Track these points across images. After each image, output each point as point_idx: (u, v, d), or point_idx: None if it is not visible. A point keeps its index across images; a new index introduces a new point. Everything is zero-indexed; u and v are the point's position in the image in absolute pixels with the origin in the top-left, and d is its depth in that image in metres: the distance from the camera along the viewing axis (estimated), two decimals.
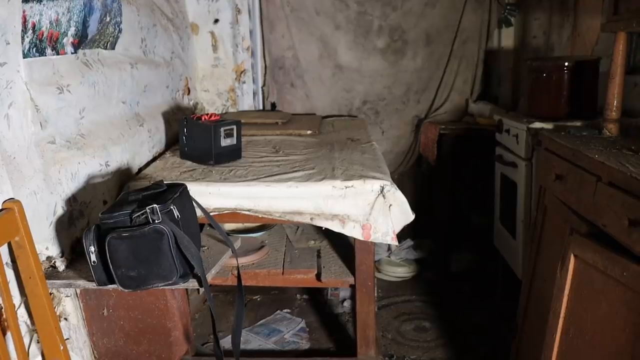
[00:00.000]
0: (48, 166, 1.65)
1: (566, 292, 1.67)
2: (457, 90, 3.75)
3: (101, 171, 1.97)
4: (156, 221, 1.39)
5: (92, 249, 1.43)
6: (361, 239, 2.13)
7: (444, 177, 3.51)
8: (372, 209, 2.11)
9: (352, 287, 2.39)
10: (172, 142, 2.78)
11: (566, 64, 2.47)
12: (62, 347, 1.46)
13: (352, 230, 2.12)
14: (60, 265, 1.66)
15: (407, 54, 3.72)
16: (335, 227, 2.12)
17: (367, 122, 3.63)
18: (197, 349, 2.66)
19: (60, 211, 1.71)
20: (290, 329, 3.00)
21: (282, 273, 2.44)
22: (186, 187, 1.68)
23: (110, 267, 1.42)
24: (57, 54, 1.76)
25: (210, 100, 3.61)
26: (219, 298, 3.29)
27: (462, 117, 3.69)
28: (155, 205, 1.39)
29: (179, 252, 1.43)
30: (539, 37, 3.34)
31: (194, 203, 1.73)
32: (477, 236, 3.46)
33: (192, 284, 1.51)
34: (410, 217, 2.18)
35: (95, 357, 1.84)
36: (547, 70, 2.51)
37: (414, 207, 2.18)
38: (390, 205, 2.12)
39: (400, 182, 3.76)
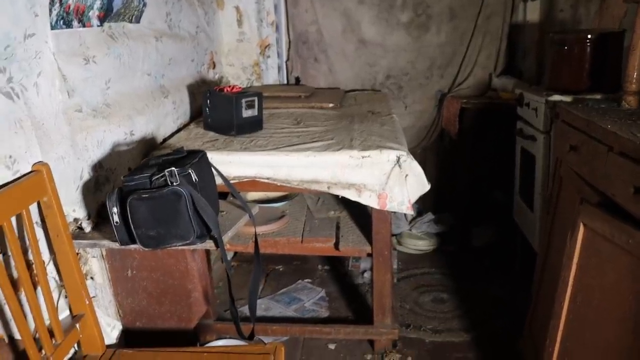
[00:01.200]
0: (75, 133, 1.73)
1: (575, 260, 1.69)
2: (480, 65, 3.73)
3: (126, 139, 2.05)
4: (174, 183, 1.46)
5: (115, 210, 1.51)
6: (377, 207, 2.18)
7: (464, 151, 3.52)
8: (388, 179, 2.15)
9: (370, 255, 2.44)
10: (196, 114, 2.85)
11: (589, 36, 2.45)
12: (87, 302, 1.55)
13: (368, 199, 2.17)
14: (87, 227, 1.75)
15: (430, 29, 3.71)
16: (351, 195, 2.17)
17: (390, 96, 3.63)
18: (219, 314, 2.75)
19: (86, 176, 1.79)
20: (311, 298, 3.07)
21: (301, 241, 2.50)
22: (205, 154, 1.75)
23: (132, 226, 1.49)
24: (84, 26, 1.84)
25: (235, 74, 3.66)
26: (242, 267, 3.38)
27: (485, 92, 3.67)
28: (173, 168, 1.47)
29: (196, 213, 1.50)
30: (565, 11, 3.29)
31: (212, 169, 1.80)
32: (497, 210, 3.47)
33: (209, 244, 1.58)
34: (426, 186, 2.21)
35: (120, 315, 1.94)
36: (569, 43, 2.50)
37: (435, 181, 2.21)
38: (407, 175, 2.16)
39: (422, 156, 3.79)
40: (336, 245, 2.48)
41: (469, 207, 3.63)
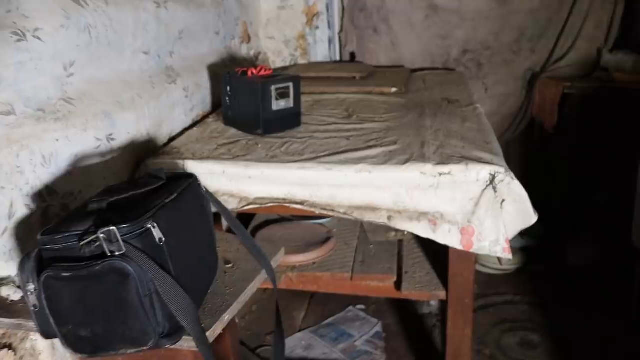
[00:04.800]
0: None
1: None
2: (585, 36, 2.96)
3: (99, 148, 1.45)
4: (116, 253, 0.85)
5: (32, 287, 0.90)
6: (459, 247, 1.51)
7: (564, 147, 2.79)
8: (477, 207, 1.48)
9: (443, 302, 1.80)
10: (220, 102, 2.24)
11: None
12: None
13: (446, 236, 1.51)
14: (14, 294, 1.14)
15: None
16: (422, 230, 1.51)
17: (468, 77, 2.95)
18: (244, 356, 2.18)
19: (22, 211, 1.19)
20: (363, 333, 2.45)
21: (351, 278, 1.88)
22: (195, 181, 1.11)
23: (51, 320, 0.89)
24: None
25: (276, 49, 3.04)
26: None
27: (592, 72, 2.92)
28: (112, 227, 0.84)
29: (161, 301, 0.88)
30: None
31: (212, 203, 1.17)
32: (602, 223, 2.76)
33: (188, 343, 0.95)
34: (531, 218, 1.54)
35: None
36: None
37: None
38: (503, 200, 1.48)
39: (505, 152, 3.08)
40: (397, 286, 1.85)
41: (566, 217, 2.90)
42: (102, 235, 0.85)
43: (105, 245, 0.85)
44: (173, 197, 1.00)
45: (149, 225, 0.89)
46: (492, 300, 2.65)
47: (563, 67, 3.00)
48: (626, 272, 2.44)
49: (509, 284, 2.79)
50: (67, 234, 0.88)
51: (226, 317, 1.02)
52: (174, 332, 0.92)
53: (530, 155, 3.17)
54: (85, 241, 0.85)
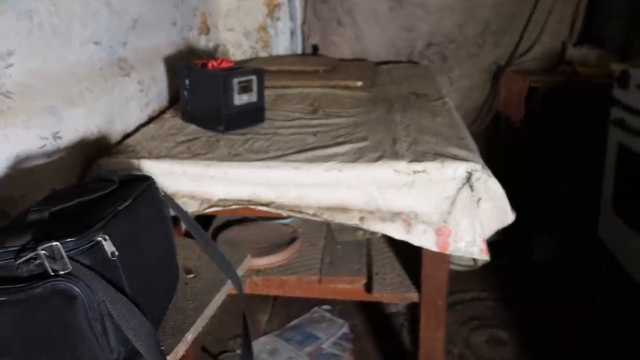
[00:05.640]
0: None
1: None
2: (549, 30, 2.95)
3: (44, 147, 1.32)
4: (60, 273, 0.73)
5: None
6: (435, 249, 1.44)
7: (531, 141, 2.76)
8: (453, 206, 1.42)
9: (416, 304, 1.73)
10: (177, 97, 2.12)
11: None
12: None
13: (421, 237, 1.43)
14: None
15: None
16: (396, 232, 1.44)
17: (433, 70, 2.89)
18: None
19: None
20: (330, 335, 2.37)
21: (319, 281, 1.80)
22: (153, 185, 1.00)
23: None
24: None
25: (236, 41, 2.93)
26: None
27: (557, 66, 2.90)
28: (56, 243, 0.73)
29: (114, 325, 0.77)
30: None
31: (171, 208, 1.06)
32: (567, 217, 2.75)
33: None
34: (508, 217, 1.49)
35: None
36: None
37: None
38: (480, 199, 1.42)
39: None
40: (368, 288, 1.77)
41: (531, 210, 2.88)
42: (42, 252, 0.73)
43: (47, 264, 0.73)
44: (127, 203, 0.89)
45: (99, 238, 0.77)
46: (459, 298, 2.60)
47: (528, 61, 2.98)
48: (592, 265, 2.43)
49: (475, 280, 2.74)
50: (0, 250, 0.76)
51: (189, 337, 0.92)
52: (130, 357, 0.81)
53: (495, 149, 3.14)
54: (23, 259, 0.73)
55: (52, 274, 0.73)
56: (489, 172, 1.43)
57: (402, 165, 1.41)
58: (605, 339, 2.21)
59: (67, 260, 0.73)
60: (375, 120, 1.82)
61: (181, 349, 0.89)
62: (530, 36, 2.97)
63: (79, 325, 0.75)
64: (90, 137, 1.51)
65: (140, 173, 1.17)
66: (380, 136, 1.63)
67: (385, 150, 1.51)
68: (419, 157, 1.44)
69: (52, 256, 0.73)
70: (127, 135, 1.75)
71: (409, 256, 1.85)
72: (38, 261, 0.73)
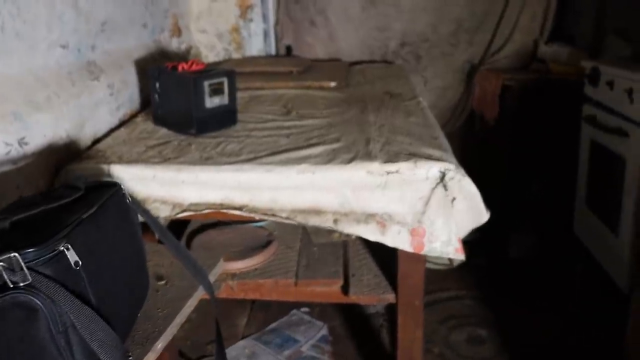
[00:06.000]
0: None
1: None
2: (521, 28, 2.98)
3: (10, 154, 1.28)
4: (20, 284, 0.71)
5: None
6: (410, 250, 1.43)
7: (505, 139, 2.78)
8: (427, 206, 1.41)
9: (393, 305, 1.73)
10: (150, 100, 2.09)
11: None
12: None
13: (395, 238, 1.43)
14: None
15: None
16: (370, 234, 1.43)
17: (407, 70, 2.89)
18: None
19: None
20: (309, 338, 2.35)
21: (295, 284, 1.78)
22: (120, 190, 0.97)
23: None
24: None
25: (208, 43, 2.90)
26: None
27: (529, 64, 2.92)
28: (14, 254, 0.71)
29: (79, 337, 0.74)
30: None
31: (140, 214, 1.03)
32: (543, 214, 2.77)
33: None
34: (482, 216, 1.49)
35: None
36: None
37: None
38: (454, 199, 1.42)
39: None
40: (345, 290, 1.76)
41: (507, 209, 2.89)
42: (0, 264, 0.71)
43: (5, 276, 0.70)
44: (92, 210, 0.87)
45: (62, 248, 0.75)
46: (438, 297, 2.60)
47: (501, 59, 3.01)
48: (568, 261, 2.45)
49: (452, 279, 2.74)
50: None
51: (159, 345, 0.90)
52: None
53: (470, 147, 3.15)
54: None
55: (12, 286, 0.71)
56: (463, 172, 1.43)
57: (375, 166, 1.41)
58: (581, 335, 2.23)
59: (26, 271, 0.71)
60: (348, 121, 1.81)
61: (150, 358, 0.87)
62: (503, 34, 3.00)
63: (41, 339, 0.72)
64: (59, 142, 1.48)
65: (108, 179, 1.15)
66: (353, 137, 1.63)
67: (358, 151, 1.50)
68: (392, 158, 1.43)
69: (11, 268, 0.71)
70: (97, 140, 1.71)
71: (385, 257, 1.84)
72: None
